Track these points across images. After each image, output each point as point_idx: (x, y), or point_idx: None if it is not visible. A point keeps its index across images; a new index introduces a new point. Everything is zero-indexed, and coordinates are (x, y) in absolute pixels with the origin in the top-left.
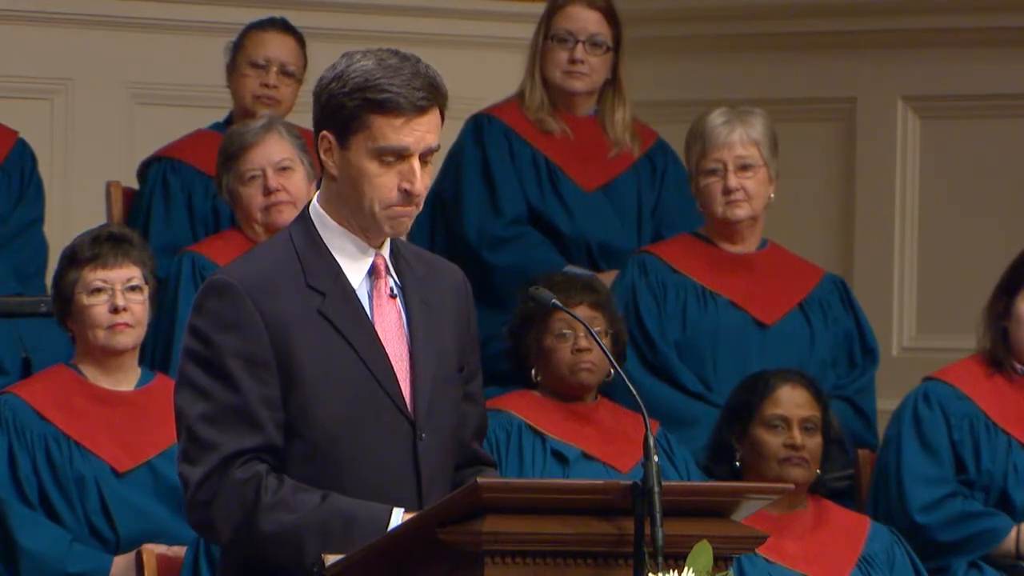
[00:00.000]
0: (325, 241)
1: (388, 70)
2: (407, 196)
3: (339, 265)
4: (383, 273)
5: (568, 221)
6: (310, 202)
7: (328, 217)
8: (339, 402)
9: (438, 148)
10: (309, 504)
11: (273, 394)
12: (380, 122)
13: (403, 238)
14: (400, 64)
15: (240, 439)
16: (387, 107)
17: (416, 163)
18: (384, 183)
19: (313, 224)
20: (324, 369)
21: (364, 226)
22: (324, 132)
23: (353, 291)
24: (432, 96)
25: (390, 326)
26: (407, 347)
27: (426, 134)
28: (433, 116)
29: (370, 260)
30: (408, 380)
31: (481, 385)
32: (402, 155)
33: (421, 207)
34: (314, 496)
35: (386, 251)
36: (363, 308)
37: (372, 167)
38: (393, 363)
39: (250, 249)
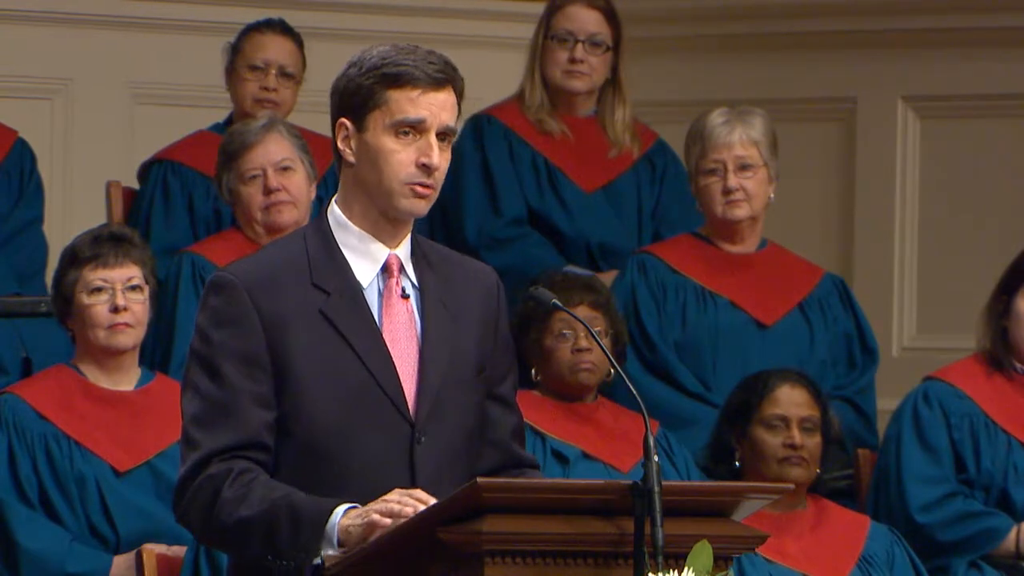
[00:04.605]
0: (338, 240)
1: (403, 51)
2: (426, 170)
3: (348, 264)
4: (396, 272)
5: (568, 221)
6: (330, 202)
7: (343, 216)
8: (332, 401)
9: (455, 133)
10: (267, 499)
11: (266, 392)
12: (397, 96)
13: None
14: (415, 48)
15: (222, 437)
16: (403, 79)
17: (433, 138)
18: (402, 159)
19: (328, 223)
20: (319, 368)
21: (382, 208)
22: (341, 119)
23: (361, 290)
24: (447, 73)
25: (399, 326)
26: (417, 348)
27: (441, 111)
28: (449, 95)
29: (383, 259)
30: (414, 381)
31: (514, 388)
32: (419, 128)
33: (438, 189)
34: (277, 492)
35: (402, 250)
36: (368, 308)
37: (390, 143)
38: (398, 364)
39: (262, 247)
